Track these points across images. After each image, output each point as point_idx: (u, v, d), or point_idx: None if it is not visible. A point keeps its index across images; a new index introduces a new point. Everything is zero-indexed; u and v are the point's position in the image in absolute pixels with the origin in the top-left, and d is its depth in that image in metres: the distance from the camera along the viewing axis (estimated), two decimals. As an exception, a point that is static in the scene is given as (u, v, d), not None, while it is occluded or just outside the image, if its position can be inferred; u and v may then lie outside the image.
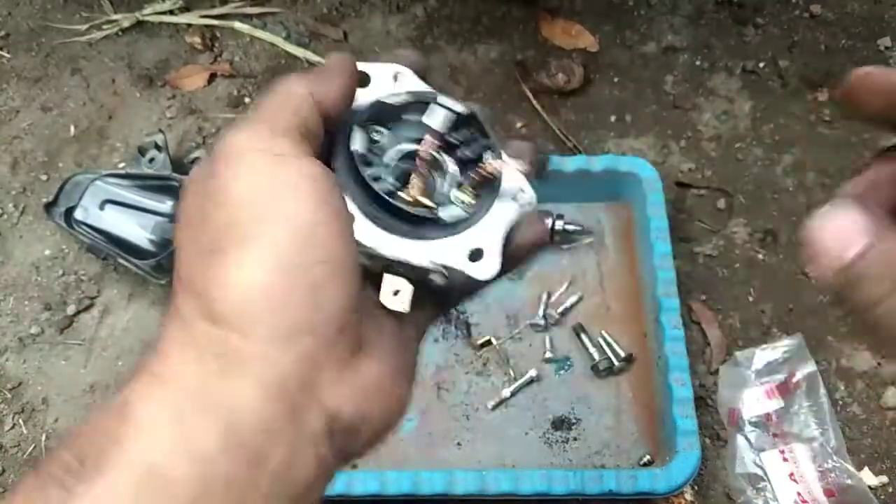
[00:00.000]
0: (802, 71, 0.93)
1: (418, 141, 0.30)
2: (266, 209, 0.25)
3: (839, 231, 0.24)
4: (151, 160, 0.84)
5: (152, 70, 0.99)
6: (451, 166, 0.30)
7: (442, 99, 0.30)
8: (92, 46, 1.02)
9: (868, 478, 0.72)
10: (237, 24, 1.01)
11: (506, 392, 0.75)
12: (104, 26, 1.03)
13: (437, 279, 0.29)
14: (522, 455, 0.73)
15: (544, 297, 0.80)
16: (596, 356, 0.76)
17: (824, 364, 0.76)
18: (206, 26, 1.01)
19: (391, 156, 0.30)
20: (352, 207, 0.28)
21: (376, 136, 0.30)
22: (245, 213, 0.25)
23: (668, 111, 0.92)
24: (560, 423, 0.74)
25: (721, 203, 0.86)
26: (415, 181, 0.29)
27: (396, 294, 0.29)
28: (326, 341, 0.25)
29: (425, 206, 0.29)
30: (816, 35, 0.96)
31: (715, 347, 0.77)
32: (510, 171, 0.30)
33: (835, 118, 0.90)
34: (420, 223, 0.28)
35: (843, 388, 0.76)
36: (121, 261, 0.81)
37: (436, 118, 0.30)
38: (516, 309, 0.80)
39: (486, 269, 0.29)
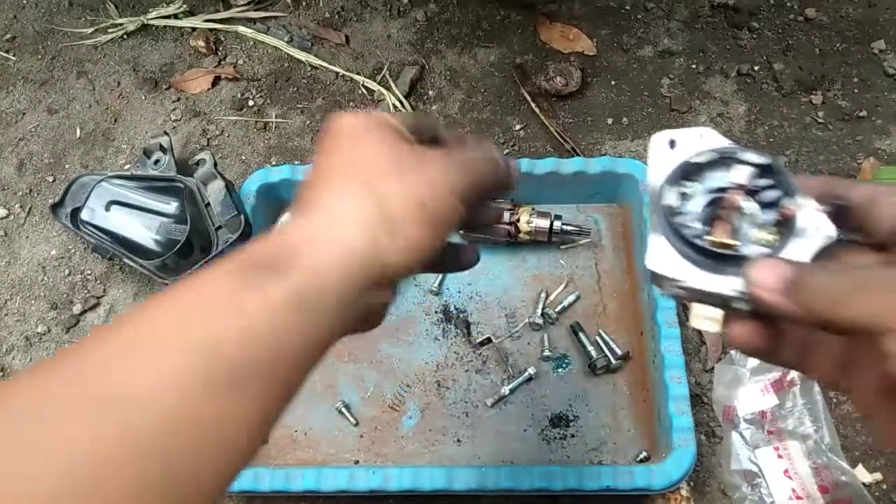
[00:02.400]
0: (797, 74, 0.94)
1: (722, 189, 0.36)
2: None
3: (771, 265, 0.32)
4: (157, 162, 0.85)
5: (157, 73, 1.01)
6: (752, 208, 0.36)
7: (742, 153, 0.36)
8: (97, 50, 1.03)
9: (862, 475, 0.72)
10: (241, 29, 1.02)
11: (505, 390, 0.76)
12: (109, 30, 1.04)
13: (742, 305, 0.34)
14: (521, 451, 0.74)
15: (542, 296, 0.81)
16: (593, 354, 0.77)
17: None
18: (211, 30, 1.03)
19: (699, 202, 0.36)
20: (670, 250, 0.35)
21: (686, 190, 0.36)
22: None
23: (665, 114, 0.93)
24: (558, 421, 0.75)
25: (717, 204, 0.87)
26: (720, 225, 0.35)
27: (707, 318, 0.35)
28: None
29: (730, 246, 0.34)
30: (811, 38, 0.97)
31: (710, 346, 0.78)
32: (807, 210, 0.34)
33: (829, 120, 0.91)
34: (726, 260, 0.34)
35: (836, 386, 0.77)
36: (126, 261, 0.82)
37: (740, 173, 0.36)
38: (515, 308, 0.81)
39: None
